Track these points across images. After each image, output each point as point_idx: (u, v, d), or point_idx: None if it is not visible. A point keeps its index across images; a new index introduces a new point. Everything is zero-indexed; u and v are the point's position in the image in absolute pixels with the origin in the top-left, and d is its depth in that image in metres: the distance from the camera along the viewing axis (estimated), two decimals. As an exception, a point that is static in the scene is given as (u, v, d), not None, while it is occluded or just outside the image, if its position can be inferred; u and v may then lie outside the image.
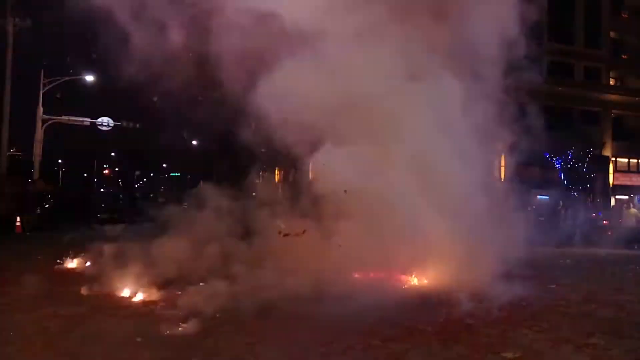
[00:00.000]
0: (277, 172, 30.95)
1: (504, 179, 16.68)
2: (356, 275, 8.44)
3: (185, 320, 5.91)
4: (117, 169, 69.67)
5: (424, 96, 8.51)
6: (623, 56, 33.07)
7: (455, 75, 8.61)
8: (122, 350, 4.87)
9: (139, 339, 5.18)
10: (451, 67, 8.61)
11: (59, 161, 52.16)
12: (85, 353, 4.81)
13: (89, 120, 27.91)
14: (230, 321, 5.93)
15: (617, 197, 27.23)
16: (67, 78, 25.36)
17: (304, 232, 8.31)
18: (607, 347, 5.29)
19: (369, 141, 8.48)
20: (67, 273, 9.14)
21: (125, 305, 6.73)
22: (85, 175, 57.71)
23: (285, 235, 8.44)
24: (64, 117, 26.69)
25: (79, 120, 27.86)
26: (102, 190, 31.98)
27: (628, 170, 30.90)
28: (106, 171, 68.45)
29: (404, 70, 8.57)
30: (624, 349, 5.26)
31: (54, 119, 26.14)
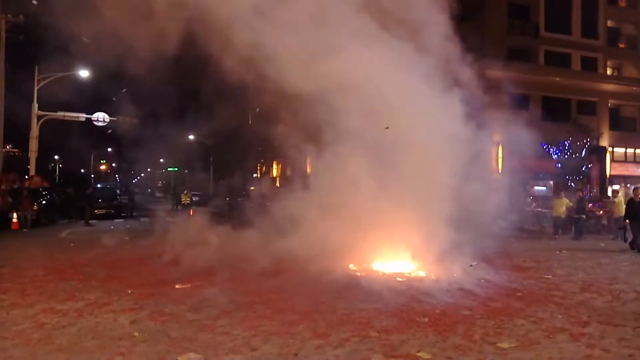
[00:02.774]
0: (275, 165, 31.02)
1: (501, 170, 16.71)
2: (352, 267, 8.47)
3: (183, 313, 5.97)
4: (114, 164, 69.54)
5: (413, 86, 8.48)
6: (620, 45, 33.03)
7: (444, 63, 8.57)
8: (118, 345, 4.86)
9: (136, 334, 5.19)
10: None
11: (55, 157, 52.01)
12: (82, 348, 4.79)
13: (85, 116, 27.79)
14: (227, 314, 5.95)
15: (614, 187, 27.30)
16: (61, 74, 25.19)
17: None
18: (601, 336, 5.33)
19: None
20: (63, 268, 9.12)
21: (125, 299, 6.71)
22: (82, 170, 57.59)
23: None
24: (59, 113, 26.58)
25: (74, 116, 27.75)
26: (98, 185, 31.80)
27: (625, 160, 30.99)
28: (103, 166, 68.29)
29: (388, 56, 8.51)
30: (618, 337, 5.30)
31: (49, 115, 26.03)
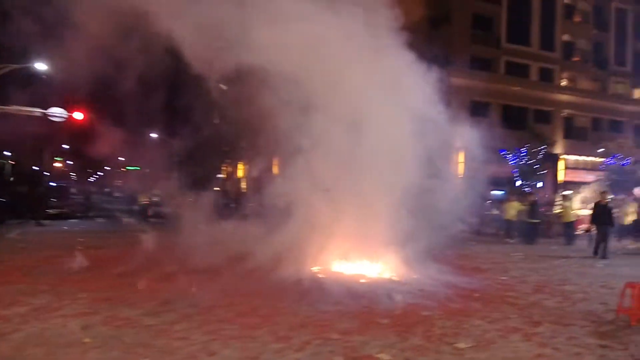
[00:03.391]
0: (241, 165, 30.65)
1: (462, 175, 17.10)
2: (315, 269, 8.45)
3: (139, 318, 5.78)
4: (70, 162, 66.84)
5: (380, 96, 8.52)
6: (574, 58, 34.59)
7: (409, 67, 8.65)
8: (67, 352, 4.62)
9: (87, 340, 4.96)
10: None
11: (5, 153, 49.39)
12: (26, 356, 4.52)
13: (40, 110, 26.54)
14: (186, 318, 5.80)
15: (565, 192, 28.50)
16: (16, 66, 23.98)
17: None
18: (552, 335, 5.54)
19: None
20: (8, 270, 8.66)
21: (77, 303, 6.42)
22: (35, 168, 55.03)
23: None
24: (13, 107, 25.28)
25: (29, 111, 26.47)
26: (52, 184, 30.47)
27: (577, 167, 32.47)
28: (58, 164, 65.48)
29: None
30: (567, 336, 5.52)
31: (1, 109, 24.75)
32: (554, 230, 18.74)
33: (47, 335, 5.09)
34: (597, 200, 13.70)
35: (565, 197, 19.28)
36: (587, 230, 14.43)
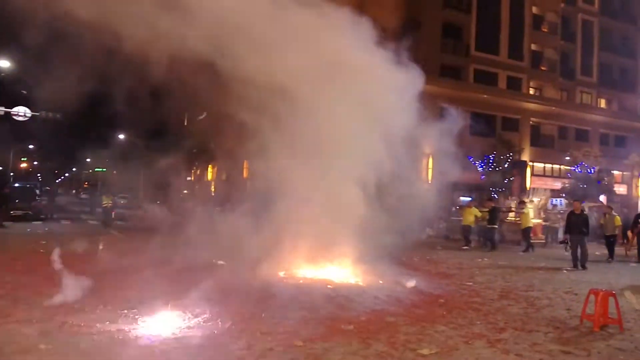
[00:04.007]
0: (210, 169, 30.29)
1: (431, 181, 17.34)
2: (282, 274, 8.39)
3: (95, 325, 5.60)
4: (35, 163, 64.83)
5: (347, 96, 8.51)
6: (542, 68, 35.62)
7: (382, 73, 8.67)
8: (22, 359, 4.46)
9: (42, 346, 4.79)
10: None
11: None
12: (-22, 364, 4.37)
13: (3, 109, 25.65)
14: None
15: (522, 199, 29.15)
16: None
17: None
18: (516, 341, 5.60)
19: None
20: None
21: (34, 308, 6.17)
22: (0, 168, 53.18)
23: None
24: (-26, 106, 24.33)
25: (-9, 109, 25.52)
26: (16, 184, 29.37)
27: (544, 174, 33.43)
28: (24, 164, 63.43)
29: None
30: (531, 342, 5.60)
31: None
32: (511, 237, 18.70)
33: (2, 342, 4.87)
34: (571, 209, 13.34)
35: (521, 204, 19.33)
36: (563, 241, 13.94)
